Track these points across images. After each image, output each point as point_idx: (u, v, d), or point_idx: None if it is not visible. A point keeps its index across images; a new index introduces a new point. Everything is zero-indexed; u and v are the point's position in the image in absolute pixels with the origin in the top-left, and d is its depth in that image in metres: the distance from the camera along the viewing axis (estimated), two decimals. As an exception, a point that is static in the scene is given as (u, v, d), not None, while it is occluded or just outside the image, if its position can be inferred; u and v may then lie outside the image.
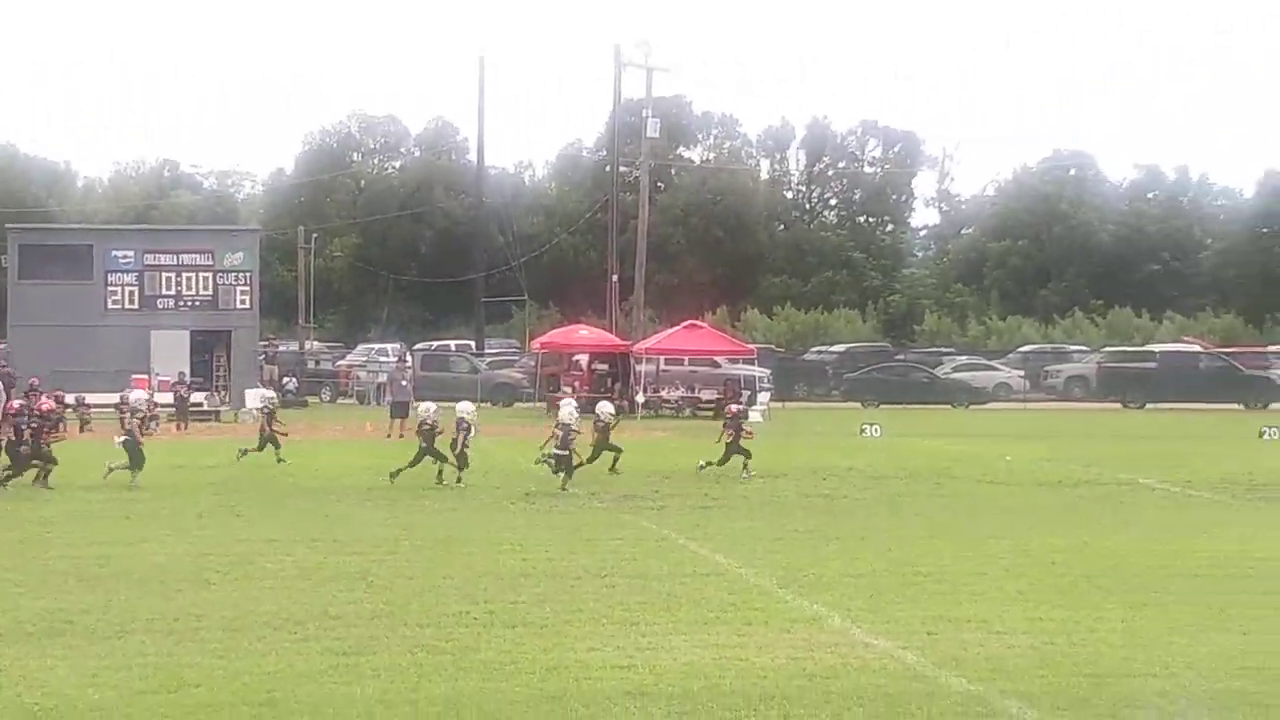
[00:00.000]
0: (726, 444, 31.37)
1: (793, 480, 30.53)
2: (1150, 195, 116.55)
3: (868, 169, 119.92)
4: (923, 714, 11.45)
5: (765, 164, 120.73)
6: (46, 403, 30.10)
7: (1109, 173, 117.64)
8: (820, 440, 41.59)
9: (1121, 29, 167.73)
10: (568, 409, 29.92)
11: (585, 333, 62.77)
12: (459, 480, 28.53)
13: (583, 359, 61.15)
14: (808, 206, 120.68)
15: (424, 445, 29.18)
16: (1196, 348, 77.26)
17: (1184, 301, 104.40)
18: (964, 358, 76.80)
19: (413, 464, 28.88)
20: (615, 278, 67.54)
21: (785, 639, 14.20)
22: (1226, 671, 12.84)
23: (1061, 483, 30.42)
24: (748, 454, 31.13)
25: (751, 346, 65.07)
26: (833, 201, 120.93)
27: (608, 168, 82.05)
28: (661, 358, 60.69)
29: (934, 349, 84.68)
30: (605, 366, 60.18)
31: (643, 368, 58.59)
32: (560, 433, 28.87)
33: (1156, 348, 77.39)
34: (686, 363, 61.69)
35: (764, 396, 58.33)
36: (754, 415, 53.90)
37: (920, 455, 35.76)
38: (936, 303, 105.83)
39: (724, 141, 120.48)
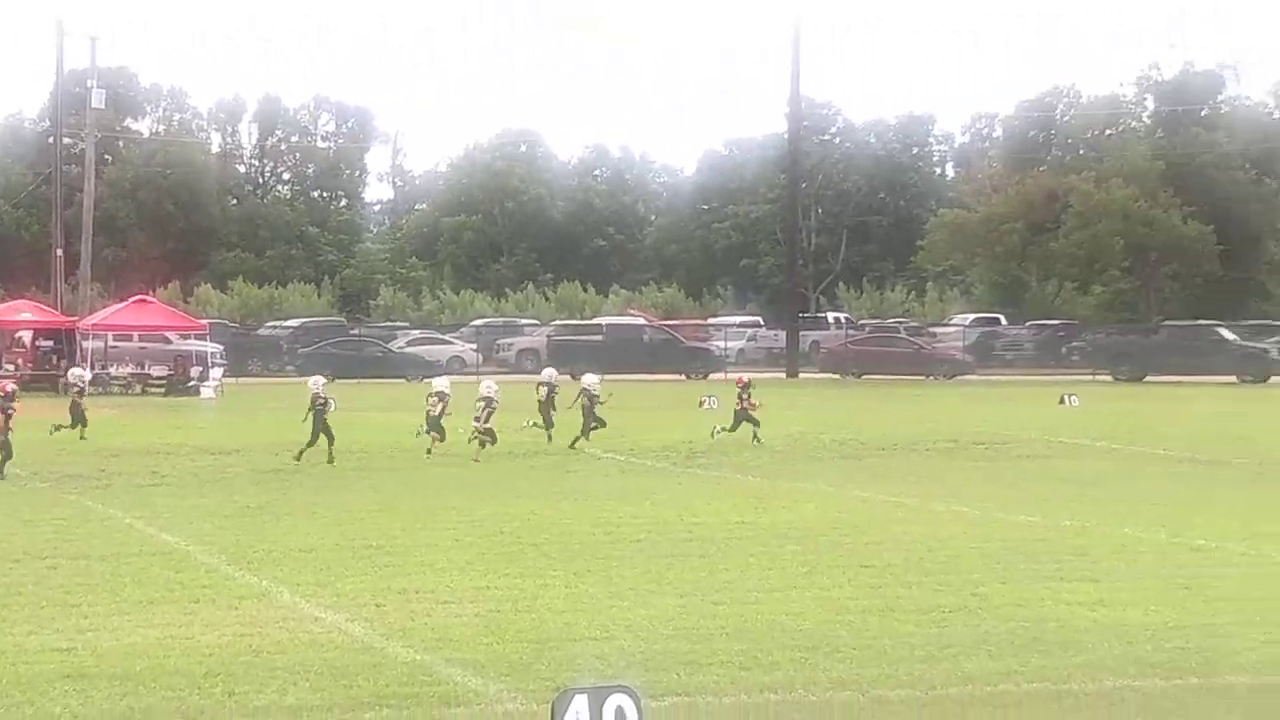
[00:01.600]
0: (736, 411, 33.33)
1: (245, 456, 30.15)
2: (597, 173, 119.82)
3: (321, 144, 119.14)
4: (369, 685, 11.49)
5: (216, 137, 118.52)
6: None
7: (558, 150, 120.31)
8: (273, 416, 41.11)
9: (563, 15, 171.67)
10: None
11: (28, 313, 60.32)
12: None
13: (26, 336, 58.86)
14: (260, 181, 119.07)
15: None
16: (641, 320, 79.98)
17: (630, 276, 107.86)
18: (418, 332, 77.34)
19: None
20: (60, 252, 65.23)
21: (232, 615, 14.02)
22: (664, 633, 13.33)
23: (511, 453, 30.98)
24: (756, 423, 32.92)
25: (203, 322, 63.95)
26: (286, 176, 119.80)
27: (51, 139, 79.08)
28: (109, 334, 58.97)
29: (389, 323, 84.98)
30: (50, 343, 58.09)
31: (90, 344, 56.77)
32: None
33: (604, 320, 79.68)
34: (136, 339, 60.13)
35: (216, 372, 57.38)
36: (205, 391, 52.95)
37: (374, 429, 35.79)
38: (391, 277, 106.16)
39: (173, 114, 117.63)
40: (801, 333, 76.80)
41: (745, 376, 38.34)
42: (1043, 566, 16.84)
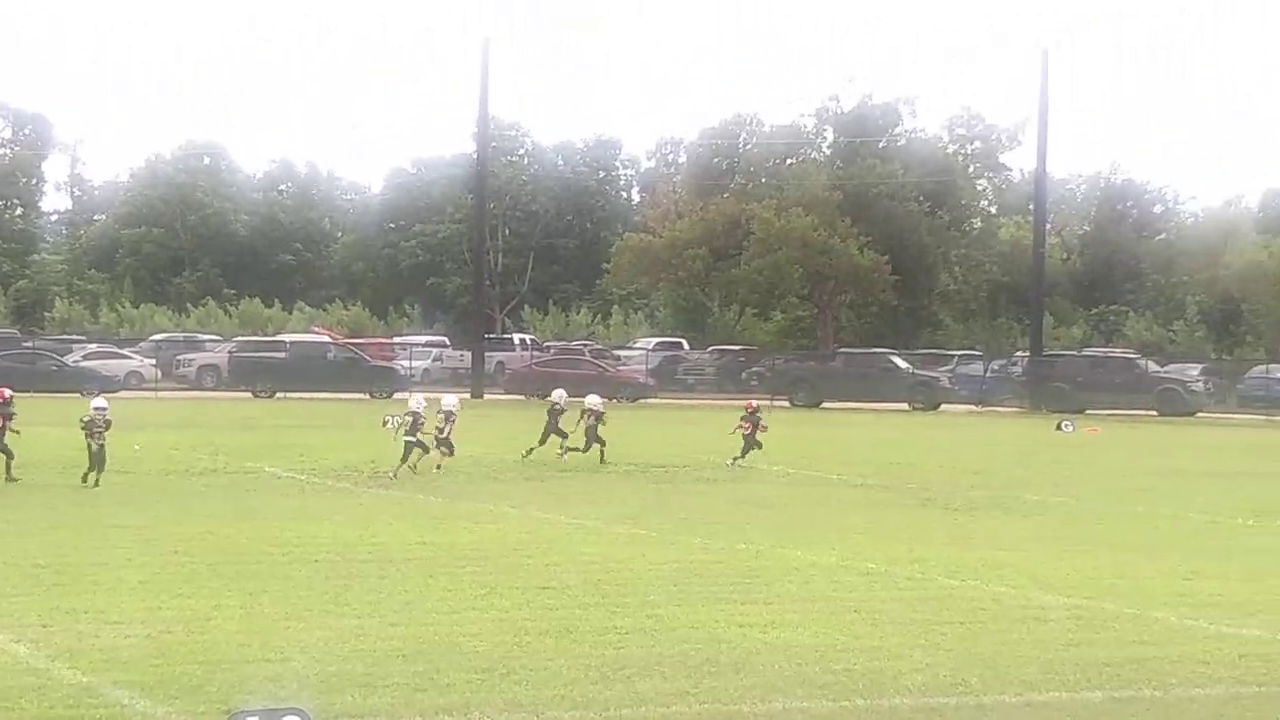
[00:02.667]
0: (745, 436, 34.96)
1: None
2: (282, 188, 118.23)
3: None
4: (33, 708, 11.16)
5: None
6: None
7: (243, 164, 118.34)
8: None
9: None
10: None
11: None
12: None
13: None
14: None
15: None
16: (325, 338, 79.13)
17: (315, 293, 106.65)
18: (95, 345, 75.24)
19: None
20: None
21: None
22: (339, 655, 13.20)
23: (189, 471, 30.41)
24: (759, 445, 34.88)
25: None
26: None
27: None
28: None
29: (65, 336, 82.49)
30: None
31: None
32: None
33: (287, 338, 78.60)
34: None
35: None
36: None
37: (48, 444, 34.70)
38: (68, 289, 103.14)
39: None
40: (487, 354, 76.80)
41: (754, 402, 39.38)
42: (718, 589, 17.13)
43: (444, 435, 31.66)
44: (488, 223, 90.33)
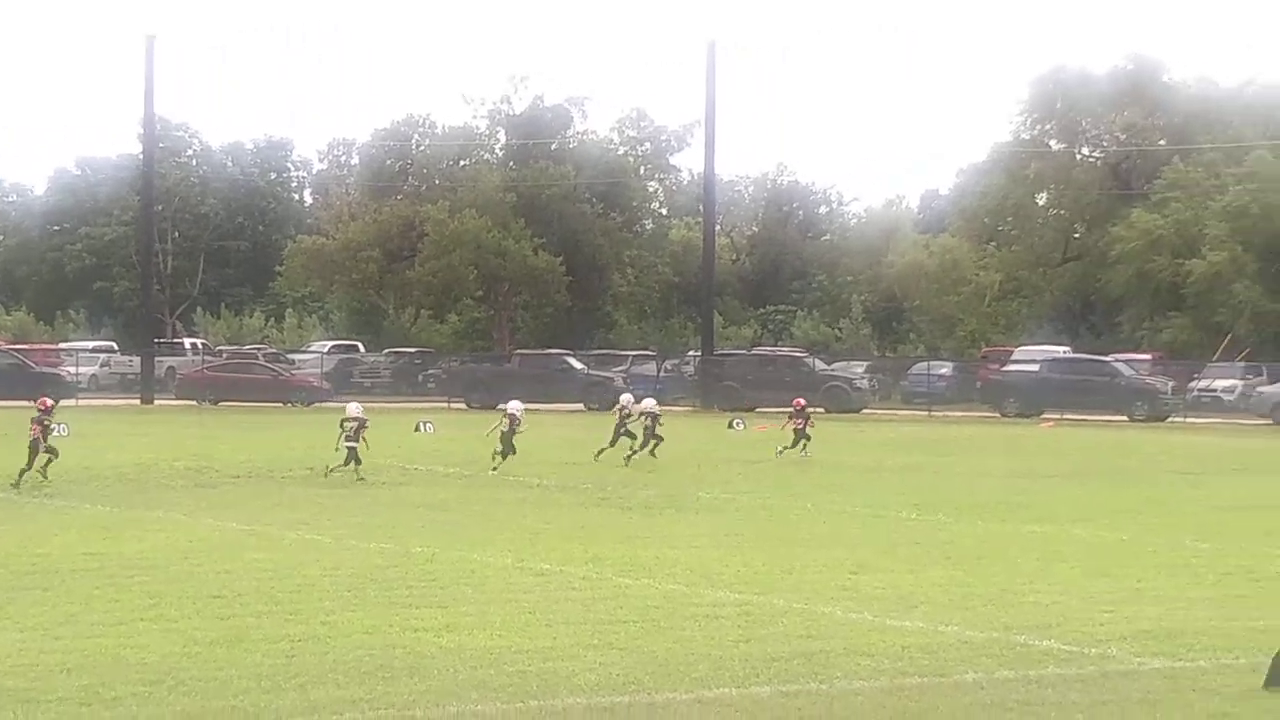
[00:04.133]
0: (795, 430, 39.12)
1: None
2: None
3: None
4: None
5: None
6: None
7: None
8: None
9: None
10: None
11: None
12: None
13: None
14: None
15: None
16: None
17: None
18: None
19: None
20: None
21: None
22: (0, 670, 12.82)
23: None
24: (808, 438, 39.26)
25: None
26: None
27: None
28: None
29: None
30: None
31: None
32: None
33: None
34: None
35: None
36: None
37: None
38: None
39: None
40: (157, 359, 75.08)
41: (802, 400, 41.34)
42: (393, 593, 17.06)
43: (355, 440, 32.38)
44: (156, 225, 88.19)
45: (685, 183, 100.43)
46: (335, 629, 14.86)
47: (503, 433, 35.35)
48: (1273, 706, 12.13)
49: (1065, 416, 61.94)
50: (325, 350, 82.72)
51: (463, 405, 68.24)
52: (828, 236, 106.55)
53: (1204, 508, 29.13)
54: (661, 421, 38.41)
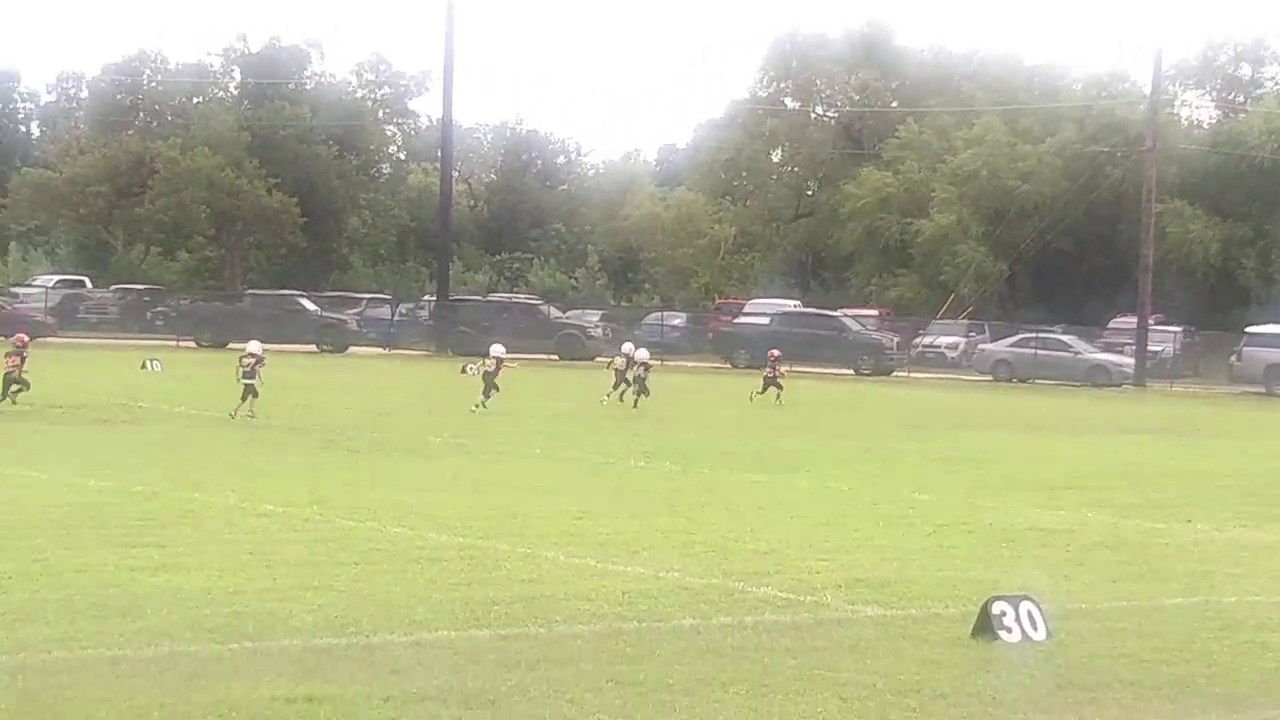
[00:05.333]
0: (766, 379, 42.99)
1: None
2: None
3: None
4: None
5: None
6: None
7: None
8: None
9: None
10: None
11: None
12: None
13: None
14: None
15: None
16: None
17: None
18: None
19: None
20: None
21: None
22: None
23: None
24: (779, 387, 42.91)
25: None
26: None
27: None
28: None
29: None
30: None
31: None
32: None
33: None
34: None
35: None
36: None
37: None
38: None
39: None
40: None
41: (777, 350, 45.58)
42: (110, 532, 16.69)
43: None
44: None
45: (424, 128, 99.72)
46: (47, 567, 14.49)
47: (486, 373, 36.65)
48: (978, 654, 12.49)
49: (793, 369, 63.01)
50: (50, 285, 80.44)
51: (192, 344, 66.98)
52: (565, 187, 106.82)
53: (924, 460, 29.87)
54: (651, 371, 40.50)
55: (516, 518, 19.14)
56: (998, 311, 78.06)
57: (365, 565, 15.27)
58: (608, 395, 39.99)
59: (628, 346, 42.33)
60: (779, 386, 43.04)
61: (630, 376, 40.03)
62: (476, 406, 35.71)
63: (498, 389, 36.57)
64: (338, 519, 18.32)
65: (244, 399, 32.67)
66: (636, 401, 39.16)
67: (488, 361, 37.36)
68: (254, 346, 33.91)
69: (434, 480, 23.15)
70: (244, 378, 32.95)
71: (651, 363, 41.08)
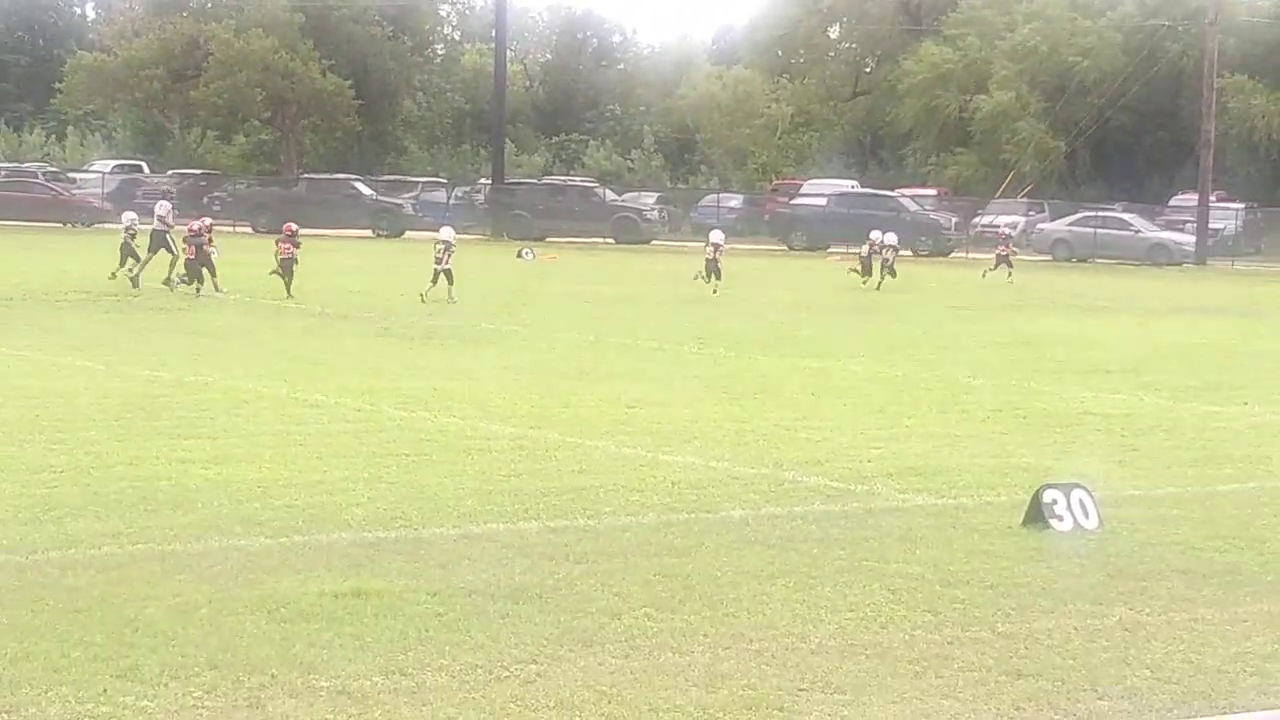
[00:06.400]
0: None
1: None
2: None
3: None
4: None
5: None
6: None
7: None
8: None
9: None
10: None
11: None
12: None
13: None
14: None
15: None
16: None
17: None
18: None
19: None
20: None
21: None
22: None
23: None
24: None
25: None
26: None
27: None
28: None
29: None
30: None
31: None
32: None
33: None
34: None
35: None
36: None
37: None
38: None
39: None
40: (-70, 175, 72.69)
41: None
42: (161, 423, 16.75)
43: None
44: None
45: (478, 8, 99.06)
46: (99, 460, 14.56)
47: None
48: (1028, 544, 12.43)
49: (850, 251, 62.65)
50: (108, 170, 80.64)
51: (248, 229, 67.11)
52: (621, 66, 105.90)
53: (980, 343, 29.71)
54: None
55: (567, 406, 19.12)
56: (1057, 190, 77.30)
57: (415, 456, 15.28)
58: (698, 277, 39.96)
59: (716, 234, 41.82)
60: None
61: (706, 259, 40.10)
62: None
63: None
64: (389, 409, 18.34)
65: (434, 282, 34.34)
66: (715, 288, 39.13)
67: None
68: (446, 233, 35.76)
69: (487, 368, 23.11)
70: (436, 263, 34.76)
71: (724, 246, 40.90)
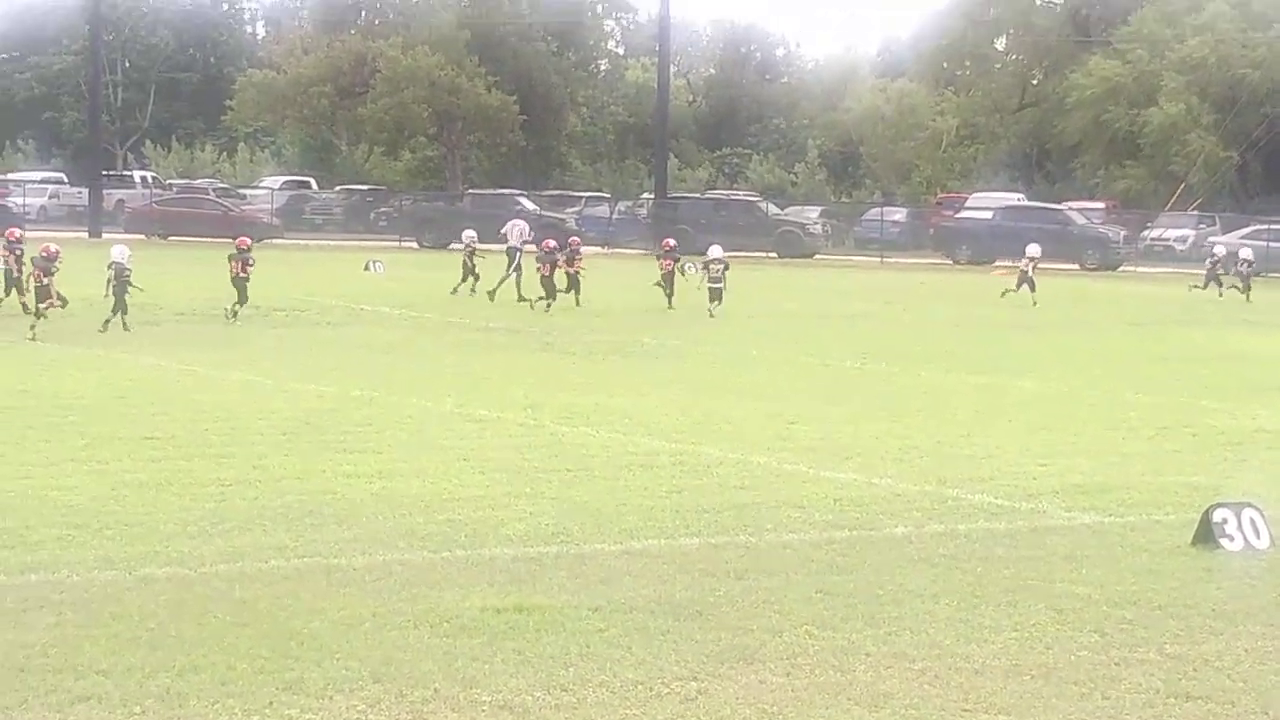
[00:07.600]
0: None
1: None
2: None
3: None
4: None
5: None
6: None
7: None
8: None
9: None
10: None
11: None
12: None
13: None
14: None
15: None
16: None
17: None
18: None
19: None
20: None
21: None
22: (-77, 512, 12.72)
23: None
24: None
25: None
26: None
27: None
28: None
29: None
30: None
31: None
32: None
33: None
34: None
35: None
36: None
37: None
38: None
39: None
40: (106, 191, 74.32)
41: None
42: (327, 438, 16.97)
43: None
44: (104, 54, 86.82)
45: (642, 23, 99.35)
46: (266, 474, 14.78)
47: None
48: (1198, 564, 12.18)
49: (1017, 265, 61.93)
50: (277, 186, 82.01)
51: (414, 244, 67.86)
52: (785, 80, 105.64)
53: (1148, 359, 29.24)
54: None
55: (729, 422, 19.08)
56: (1228, 202, 75.83)
57: (577, 472, 15.33)
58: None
59: (715, 250, 38.46)
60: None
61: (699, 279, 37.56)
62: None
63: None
64: (551, 424, 18.42)
65: (464, 279, 37.38)
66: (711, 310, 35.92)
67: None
68: (468, 235, 38.20)
69: (648, 383, 23.14)
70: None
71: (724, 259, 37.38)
